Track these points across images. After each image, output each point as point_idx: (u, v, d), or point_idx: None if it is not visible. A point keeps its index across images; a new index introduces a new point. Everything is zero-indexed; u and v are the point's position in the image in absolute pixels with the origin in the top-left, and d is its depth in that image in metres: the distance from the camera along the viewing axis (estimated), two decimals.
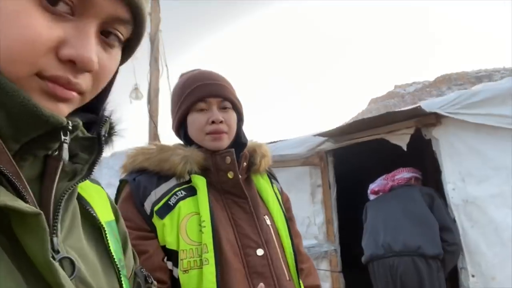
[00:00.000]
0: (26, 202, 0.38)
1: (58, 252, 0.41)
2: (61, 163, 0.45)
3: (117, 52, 0.47)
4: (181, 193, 1.07)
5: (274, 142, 4.30)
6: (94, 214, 0.52)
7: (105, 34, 0.44)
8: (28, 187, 0.40)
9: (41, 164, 0.45)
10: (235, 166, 1.10)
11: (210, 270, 0.98)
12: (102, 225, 0.52)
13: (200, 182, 1.08)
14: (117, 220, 0.61)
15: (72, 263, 0.43)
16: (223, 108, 1.14)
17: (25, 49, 0.38)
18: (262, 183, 1.21)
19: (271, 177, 1.29)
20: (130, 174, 1.12)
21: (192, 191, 1.08)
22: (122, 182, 1.12)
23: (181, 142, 1.20)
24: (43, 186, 0.44)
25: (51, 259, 0.37)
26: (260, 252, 1.05)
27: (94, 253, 0.49)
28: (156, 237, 1.03)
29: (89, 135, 0.50)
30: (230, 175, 1.10)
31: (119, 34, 0.45)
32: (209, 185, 1.09)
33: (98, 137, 0.50)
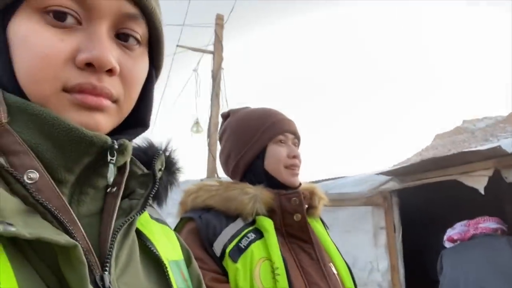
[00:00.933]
0: (73, 237, 0.37)
1: None
2: (119, 200, 0.45)
3: (140, 55, 0.46)
4: (252, 235, 0.99)
5: (333, 179, 4.14)
6: (155, 251, 0.49)
7: (121, 38, 0.44)
8: (78, 222, 0.39)
9: (102, 201, 0.45)
10: (303, 207, 1.04)
11: None
12: (163, 262, 0.49)
13: (267, 224, 1.01)
14: (188, 262, 0.59)
15: None
16: (295, 145, 1.15)
17: (43, 65, 0.39)
18: (319, 228, 1.13)
19: (323, 222, 1.20)
20: (193, 212, 1.04)
21: (258, 234, 1.00)
22: (183, 220, 1.04)
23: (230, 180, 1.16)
24: (102, 223, 0.43)
25: None
26: None
27: None
28: (228, 281, 0.96)
29: (146, 171, 0.49)
30: (297, 217, 1.03)
31: (135, 33, 0.44)
32: (275, 226, 1.02)
33: (152, 172, 0.49)
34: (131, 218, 0.45)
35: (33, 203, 0.36)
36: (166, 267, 0.49)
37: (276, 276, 0.94)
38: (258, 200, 1.02)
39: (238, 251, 0.97)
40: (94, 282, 0.38)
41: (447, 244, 2.92)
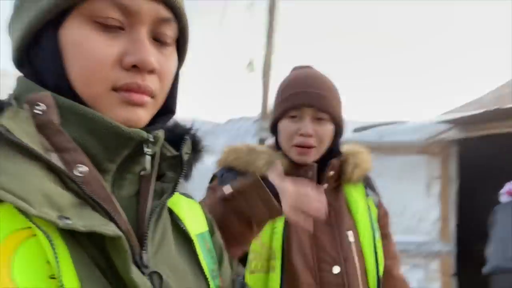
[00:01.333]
0: (116, 223, 0.42)
1: (147, 267, 0.45)
2: (153, 183, 0.51)
3: (171, 52, 0.51)
4: None
5: (386, 124, 3.97)
6: (184, 228, 0.56)
7: (156, 39, 0.49)
8: (120, 209, 0.45)
9: (137, 184, 0.51)
10: (314, 179, 1.03)
11: (275, 279, 0.97)
12: (191, 237, 0.56)
13: None
14: (212, 232, 0.65)
15: (160, 277, 0.46)
16: (318, 119, 1.05)
17: (95, 69, 0.44)
18: (354, 194, 1.10)
19: (369, 188, 1.14)
20: (220, 170, 1.11)
21: None
22: (213, 176, 1.11)
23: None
24: (139, 205, 0.49)
25: (132, 276, 0.41)
26: (336, 269, 0.99)
27: (186, 265, 0.53)
28: None
29: (175, 153, 0.55)
30: (315, 183, 1.03)
31: (168, 34, 0.49)
32: None
33: (180, 157, 0.54)
34: (164, 201, 0.51)
35: (84, 197, 0.42)
36: (194, 243, 0.56)
37: (273, 234, 0.98)
38: (272, 165, 1.02)
39: None
40: (134, 261, 0.43)
41: (505, 198, 2.77)
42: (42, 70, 0.47)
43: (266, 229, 0.97)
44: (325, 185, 1.06)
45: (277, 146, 1.12)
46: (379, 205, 1.14)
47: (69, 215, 0.38)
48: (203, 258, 0.56)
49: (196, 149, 0.59)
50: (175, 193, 0.53)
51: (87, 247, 0.41)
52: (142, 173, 0.50)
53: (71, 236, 0.40)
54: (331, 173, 1.07)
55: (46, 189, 0.38)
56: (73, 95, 0.45)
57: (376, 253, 1.03)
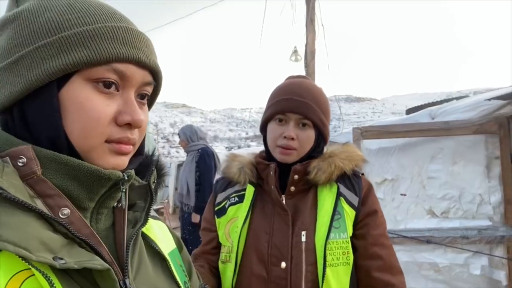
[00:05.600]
0: (101, 255, 0.50)
1: None
2: (126, 214, 0.58)
3: (146, 108, 0.60)
4: (234, 199, 1.23)
5: (441, 102, 3.74)
6: (158, 249, 0.64)
7: (139, 97, 0.58)
8: (102, 241, 0.52)
9: (112, 216, 0.59)
10: (274, 180, 1.17)
11: (230, 268, 1.14)
12: (165, 256, 0.64)
13: (249, 191, 1.22)
14: (180, 248, 0.73)
15: None
16: (302, 125, 1.16)
17: (94, 126, 0.51)
18: (324, 195, 1.15)
19: (349, 188, 1.16)
20: (218, 178, 1.33)
21: (243, 198, 1.21)
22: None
23: None
24: (115, 235, 0.57)
25: None
26: (283, 265, 1.10)
27: (163, 282, 0.61)
28: (216, 230, 1.25)
29: (142, 182, 0.62)
30: (273, 188, 1.17)
31: (147, 94, 0.59)
32: (265, 194, 1.21)
33: (148, 186, 0.62)
34: (138, 230, 0.58)
35: (71, 237, 0.48)
36: (169, 261, 0.64)
37: (235, 232, 1.16)
38: (242, 172, 1.23)
39: (223, 211, 1.23)
40: (120, 287, 0.50)
41: None
42: (36, 122, 0.52)
43: (233, 228, 1.18)
44: (292, 188, 1.17)
45: (264, 144, 1.26)
46: (360, 205, 1.14)
47: (62, 255, 0.45)
48: (177, 273, 0.64)
49: (160, 174, 0.67)
50: (147, 222, 0.60)
51: (78, 280, 0.48)
52: (116, 205, 0.58)
53: (64, 273, 0.46)
54: (296, 177, 1.17)
55: (40, 235, 0.45)
56: (68, 147, 0.52)
57: (325, 252, 1.07)
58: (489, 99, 2.97)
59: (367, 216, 1.14)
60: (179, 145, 4.19)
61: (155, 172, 0.64)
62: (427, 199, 3.28)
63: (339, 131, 4.91)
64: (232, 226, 1.19)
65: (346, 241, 1.09)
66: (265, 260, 1.11)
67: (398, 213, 3.32)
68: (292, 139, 1.14)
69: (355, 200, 1.15)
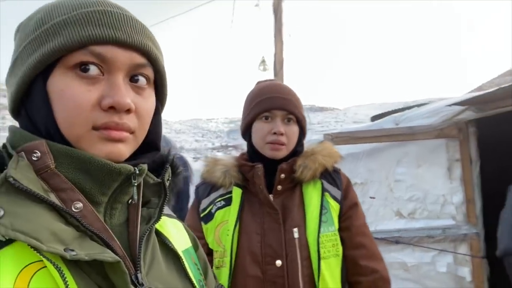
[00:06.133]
0: (113, 249, 0.50)
1: (142, 285, 0.52)
2: (140, 210, 0.57)
3: (149, 93, 0.57)
4: (220, 203, 1.23)
5: (402, 109, 3.93)
6: (172, 246, 0.63)
7: (134, 81, 0.55)
8: (114, 236, 0.52)
9: (126, 212, 0.58)
10: (262, 180, 1.18)
11: (225, 272, 1.14)
12: (179, 254, 0.63)
13: (235, 194, 1.22)
14: (195, 247, 0.72)
15: None
16: (287, 121, 1.21)
17: (76, 113, 0.50)
18: (310, 191, 1.21)
19: (331, 183, 1.24)
20: (198, 184, 1.33)
21: (230, 201, 1.22)
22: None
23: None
24: (129, 231, 0.56)
25: None
26: (278, 263, 1.12)
27: (176, 279, 0.60)
28: (204, 237, 1.24)
29: (157, 180, 0.61)
30: (261, 188, 1.19)
31: (144, 77, 0.56)
32: (251, 195, 1.21)
33: (162, 183, 0.61)
34: (152, 226, 0.58)
35: (83, 230, 0.48)
36: (182, 259, 0.63)
37: (226, 236, 1.17)
38: (228, 175, 1.23)
39: (210, 216, 1.23)
40: (131, 280, 0.50)
41: None
42: (35, 118, 0.54)
43: (223, 233, 1.18)
44: (279, 187, 1.20)
45: (250, 146, 1.27)
46: (343, 199, 1.22)
47: (73, 247, 0.45)
48: (191, 271, 0.63)
49: (175, 173, 0.65)
50: (161, 218, 0.60)
51: (89, 273, 0.48)
52: (130, 201, 0.57)
53: (75, 265, 0.47)
54: (282, 176, 1.20)
55: (52, 226, 0.45)
56: (61, 138, 0.52)
57: (318, 246, 1.13)
58: (450, 105, 3.16)
59: (349, 209, 1.23)
60: None
61: (169, 170, 0.63)
62: (394, 201, 3.42)
63: (307, 139, 5.02)
64: (222, 230, 1.19)
65: (334, 233, 1.17)
66: (259, 261, 1.13)
67: (368, 216, 3.40)
68: (282, 134, 1.18)
69: (338, 194, 1.23)
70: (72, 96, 0.50)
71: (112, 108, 0.51)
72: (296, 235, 1.14)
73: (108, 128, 0.52)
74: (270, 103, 1.20)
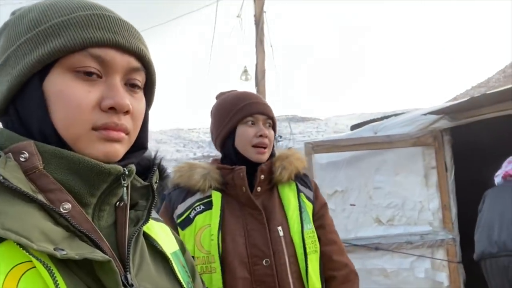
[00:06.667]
0: (102, 250, 0.49)
1: (132, 285, 0.52)
2: (128, 212, 0.57)
3: (141, 96, 0.59)
4: (200, 208, 1.22)
5: (380, 119, 4.03)
6: (160, 248, 0.63)
7: (128, 85, 0.56)
8: (103, 237, 0.52)
9: (114, 214, 0.58)
10: (245, 181, 1.20)
11: (217, 278, 1.13)
12: (167, 256, 0.63)
13: (215, 197, 1.23)
14: (183, 250, 0.72)
15: None
16: (268, 125, 1.27)
17: (76, 113, 0.51)
18: (287, 192, 1.26)
19: (303, 184, 1.31)
20: (169, 190, 1.30)
21: (210, 205, 1.22)
22: (163, 198, 1.29)
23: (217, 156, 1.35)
24: (117, 232, 0.56)
25: None
26: (266, 262, 1.14)
27: (165, 281, 0.60)
28: None
29: (144, 183, 0.61)
30: (244, 189, 1.20)
31: (137, 81, 0.57)
32: (230, 198, 1.23)
33: (150, 186, 0.61)
34: (140, 228, 0.58)
35: (73, 230, 0.48)
36: (171, 260, 0.63)
37: (211, 241, 1.16)
38: (208, 178, 1.23)
39: (188, 222, 1.22)
40: (121, 281, 0.49)
41: (498, 180, 2.79)
42: (27, 117, 0.53)
43: (205, 238, 1.18)
44: (259, 188, 1.24)
45: (233, 150, 1.28)
46: (314, 199, 1.31)
47: (63, 246, 0.45)
48: (179, 273, 0.63)
49: (162, 177, 0.66)
50: (149, 221, 0.61)
51: (79, 274, 0.47)
52: (117, 204, 0.57)
53: (64, 266, 0.46)
54: (262, 176, 1.24)
55: (42, 226, 0.45)
56: (56, 137, 0.52)
57: (304, 242, 1.18)
58: (425, 114, 3.27)
59: (321, 208, 1.32)
60: None
61: (157, 173, 0.63)
62: (374, 208, 3.49)
63: (288, 147, 5.07)
64: (204, 235, 1.19)
65: (312, 231, 1.24)
66: (246, 262, 1.14)
67: (348, 223, 3.48)
68: (266, 136, 1.24)
69: (310, 194, 1.31)
70: (72, 96, 0.51)
71: (112, 109, 0.52)
72: (281, 233, 1.18)
73: (107, 128, 0.52)
74: (254, 107, 1.25)
